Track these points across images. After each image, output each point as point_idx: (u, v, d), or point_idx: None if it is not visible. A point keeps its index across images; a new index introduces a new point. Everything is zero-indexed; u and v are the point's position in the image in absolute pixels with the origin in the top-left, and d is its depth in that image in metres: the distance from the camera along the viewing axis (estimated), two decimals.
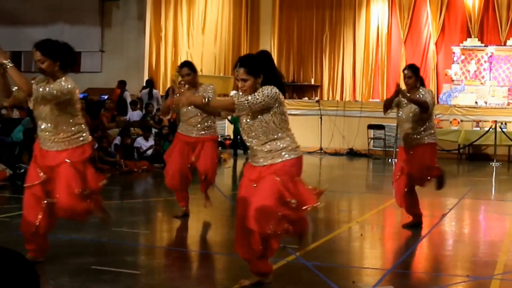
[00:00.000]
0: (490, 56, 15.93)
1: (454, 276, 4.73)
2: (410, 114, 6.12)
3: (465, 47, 16.18)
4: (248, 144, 4.09)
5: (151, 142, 11.92)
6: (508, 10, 16.44)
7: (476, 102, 15.60)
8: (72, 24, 16.59)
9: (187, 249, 5.55)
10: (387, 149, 15.05)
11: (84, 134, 4.54)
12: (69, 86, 4.34)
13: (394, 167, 6.57)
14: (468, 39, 16.36)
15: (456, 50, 16.23)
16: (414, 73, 6.13)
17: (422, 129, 6.13)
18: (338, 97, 17.93)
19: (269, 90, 3.91)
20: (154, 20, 17.29)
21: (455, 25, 16.99)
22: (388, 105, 6.26)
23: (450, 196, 8.96)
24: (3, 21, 16.83)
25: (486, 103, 15.56)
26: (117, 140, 11.44)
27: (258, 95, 3.88)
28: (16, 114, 11.55)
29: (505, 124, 14.53)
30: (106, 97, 13.50)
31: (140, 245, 5.63)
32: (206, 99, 4.07)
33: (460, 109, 15.18)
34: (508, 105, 15.46)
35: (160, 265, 4.83)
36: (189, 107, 6.35)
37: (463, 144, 14.60)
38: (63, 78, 4.37)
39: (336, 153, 15.10)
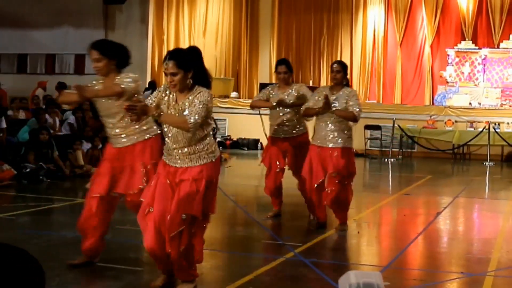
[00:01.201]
0: (484, 59, 16.02)
1: (449, 273, 4.82)
2: (333, 119, 5.89)
3: (459, 50, 16.26)
4: (168, 142, 3.88)
5: None
6: (501, 14, 16.52)
7: (470, 103, 15.68)
8: (76, 27, 16.51)
9: None
10: (383, 149, 15.16)
11: (148, 126, 4.42)
12: (137, 77, 4.34)
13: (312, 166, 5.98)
14: (463, 42, 16.44)
15: (451, 52, 16.33)
16: (343, 68, 5.98)
17: (341, 130, 5.92)
18: None
19: (206, 96, 3.71)
20: (157, 23, 17.41)
21: (450, 28, 17.08)
22: (310, 115, 6.05)
23: (445, 195, 9.08)
24: (9, 24, 16.83)
25: (479, 104, 15.64)
26: None
27: (200, 106, 3.66)
28: (22, 115, 11.62)
29: (498, 124, 14.62)
30: None
31: (142, 242, 5.72)
32: (158, 113, 3.73)
33: (455, 110, 15.29)
34: (501, 106, 15.57)
35: None
36: (277, 108, 6.41)
37: (457, 144, 14.71)
38: (125, 74, 4.32)
39: None
